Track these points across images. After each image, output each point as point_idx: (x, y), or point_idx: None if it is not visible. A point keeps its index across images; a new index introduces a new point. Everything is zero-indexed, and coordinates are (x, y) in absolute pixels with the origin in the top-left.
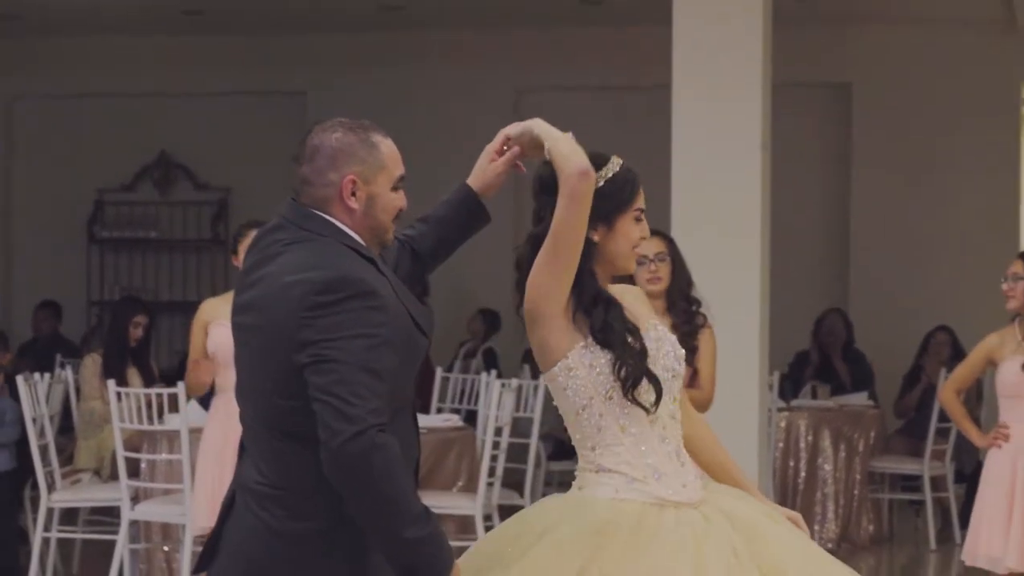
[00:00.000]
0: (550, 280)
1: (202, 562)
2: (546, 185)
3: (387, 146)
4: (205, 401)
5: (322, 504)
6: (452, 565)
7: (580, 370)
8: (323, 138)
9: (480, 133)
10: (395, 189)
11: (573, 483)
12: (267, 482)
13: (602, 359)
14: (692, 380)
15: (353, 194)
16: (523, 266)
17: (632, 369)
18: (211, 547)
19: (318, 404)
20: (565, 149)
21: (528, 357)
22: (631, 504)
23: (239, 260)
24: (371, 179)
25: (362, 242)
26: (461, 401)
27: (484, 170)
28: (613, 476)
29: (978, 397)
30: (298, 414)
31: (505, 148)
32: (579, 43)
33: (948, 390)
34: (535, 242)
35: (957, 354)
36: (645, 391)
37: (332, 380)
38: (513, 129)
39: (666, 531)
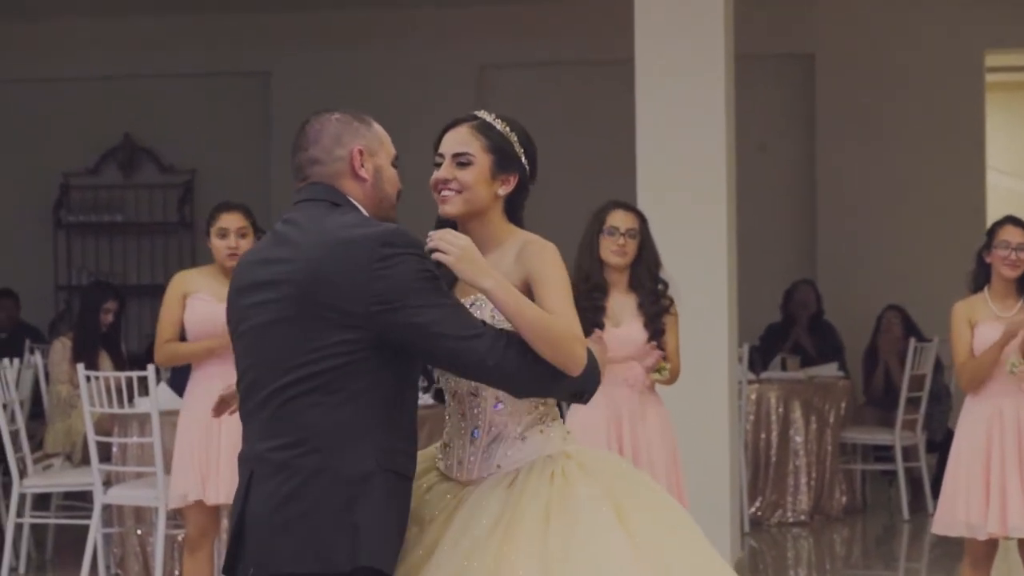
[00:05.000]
0: None
1: (232, 554)
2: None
3: (380, 128)
4: (176, 384)
5: (361, 452)
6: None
7: None
8: (322, 122)
9: (444, 110)
10: (394, 165)
11: None
12: (296, 440)
13: None
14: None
15: (363, 165)
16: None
17: None
18: (236, 536)
19: (436, 342)
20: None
21: None
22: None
23: (211, 243)
24: (375, 152)
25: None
26: None
27: None
28: None
29: (937, 369)
30: (342, 367)
31: None
32: (541, 18)
33: (964, 372)
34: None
35: (909, 330)
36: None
37: (435, 318)
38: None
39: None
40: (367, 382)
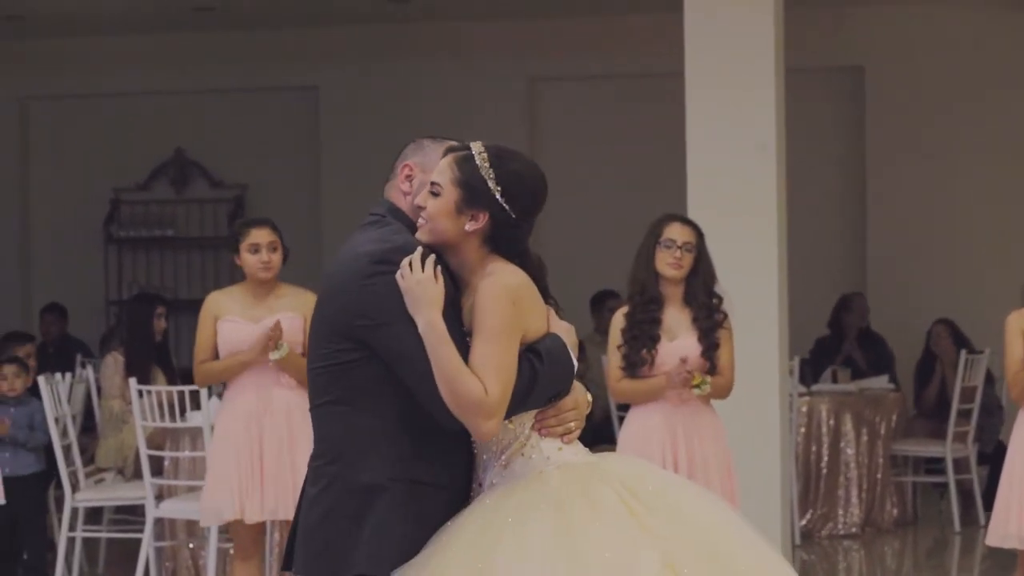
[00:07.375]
0: None
1: (288, 554)
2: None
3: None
4: None
5: (371, 462)
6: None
7: None
8: (406, 145)
9: (494, 124)
10: None
11: None
12: (322, 451)
13: None
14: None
15: (408, 179)
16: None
17: None
18: (291, 537)
19: (402, 366)
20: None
21: None
22: None
23: (241, 260)
24: (429, 169)
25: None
26: None
27: None
28: None
29: (988, 381)
30: (353, 379)
31: None
32: (591, 31)
33: (1017, 384)
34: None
35: (959, 343)
36: None
37: (409, 344)
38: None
39: None
40: (377, 392)
